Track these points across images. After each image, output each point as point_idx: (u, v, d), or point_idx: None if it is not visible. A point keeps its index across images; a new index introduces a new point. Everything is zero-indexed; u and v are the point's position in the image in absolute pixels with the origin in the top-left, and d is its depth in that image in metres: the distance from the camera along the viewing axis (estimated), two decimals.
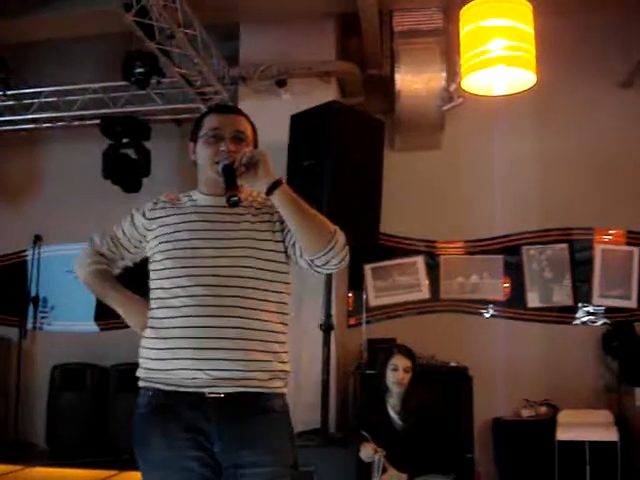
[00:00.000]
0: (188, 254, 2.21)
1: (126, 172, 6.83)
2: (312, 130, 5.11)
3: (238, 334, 2.14)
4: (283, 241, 2.28)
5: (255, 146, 2.39)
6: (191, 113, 6.73)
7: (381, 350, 4.94)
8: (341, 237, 2.20)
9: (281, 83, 5.98)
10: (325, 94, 5.74)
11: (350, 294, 6.38)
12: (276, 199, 2.15)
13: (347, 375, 5.74)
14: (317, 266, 2.22)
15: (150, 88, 6.37)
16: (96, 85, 6.82)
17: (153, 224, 2.35)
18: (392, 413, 4.43)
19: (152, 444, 2.16)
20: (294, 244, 2.25)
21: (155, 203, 2.41)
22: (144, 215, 2.39)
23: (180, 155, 7.13)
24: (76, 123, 7.13)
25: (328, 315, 5.28)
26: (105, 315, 7.31)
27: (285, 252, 2.28)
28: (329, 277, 5.20)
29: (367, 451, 4.14)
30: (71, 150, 7.33)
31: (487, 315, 6.33)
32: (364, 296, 6.27)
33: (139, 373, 2.25)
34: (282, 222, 2.26)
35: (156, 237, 2.31)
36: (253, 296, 2.19)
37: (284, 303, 2.29)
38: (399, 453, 4.21)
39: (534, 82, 4.41)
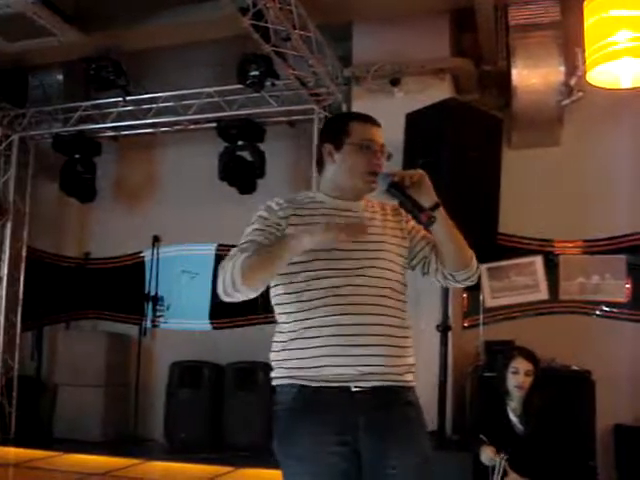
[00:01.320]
0: (336, 256, 2.27)
1: (242, 174, 6.96)
2: (428, 128, 5.06)
3: (381, 331, 2.26)
4: (409, 251, 2.46)
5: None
6: (305, 114, 6.80)
7: (500, 352, 4.84)
8: (475, 257, 2.44)
9: (395, 82, 5.95)
10: (439, 91, 5.68)
11: (465, 295, 6.29)
12: (438, 217, 2.27)
13: (464, 377, 5.65)
14: (456, 280, 2.45)
15: (265, 90, 6.46)
16: (212, 89, 6.99)
17: (296, 219, 2.35)
18: (513, 417, 4.33)
19: (298, 438, 2.23)
20: (426, 257, 2.46)
21: (279, 204, 2.40)
22: (278, 216, 2.37)
23: (293, 156, 7.23)
24: (193, 127, 7.34)
25: (445, 316, 5.22)
26: (218, 314, 7.49)
27: (407, 259, 2.46)
28: None
29: (488, 454, 4.06)
30: (188, 153, 7.53)
31: (609, 317, 6.10)
32: (481, 297, 6.17)
33: (277, 372, 2.32)
34: (409, 233, 2.46)
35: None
36: (391, 296, 2.33)
37: (406, 302, 2.42)
38: (520, 458, 4.11)
39: None
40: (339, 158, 2.39)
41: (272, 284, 2.35)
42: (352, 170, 2.37)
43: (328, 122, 2.55)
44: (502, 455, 4.02)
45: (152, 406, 7.41)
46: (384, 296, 2.30)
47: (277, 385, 2.33)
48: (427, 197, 2.28)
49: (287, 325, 2.31)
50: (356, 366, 2.21)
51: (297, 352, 2.26)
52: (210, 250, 7.66)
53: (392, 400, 2.27)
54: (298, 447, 2.23)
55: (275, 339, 2.36)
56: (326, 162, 2.43)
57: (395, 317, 2.31)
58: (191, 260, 7.74)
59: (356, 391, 2.22)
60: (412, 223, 2.44)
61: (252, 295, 2.26)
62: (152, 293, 7.74)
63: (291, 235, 2.23)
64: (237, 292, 2.22)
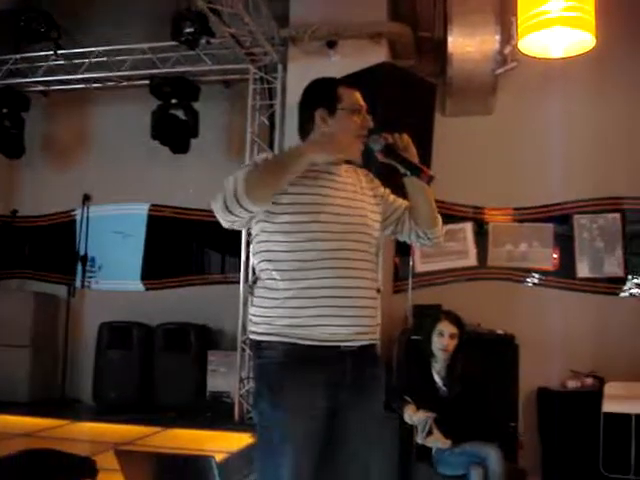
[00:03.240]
0: (329, 219, 2.39)
1: (175, 133, 6.86)
2: (362, 92, 5.02)
3: (367, 293, 2.41)
4: (382, 214, 2.58)
5: None
6: (240, 74, 6.72)
7: (428, 316, 4.90)
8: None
9: (331, 44, 5.90)
10: (376, 56, 5.64)
11: (396, 259, 6.34)
12: (416, 180, 2.45)
13: (392, 340, 5.70)
14: (429, 239, 2.61)
15: (199, 48, 6.35)
16: (145, 45, 6.85)
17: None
18: (437, 379, 4.41)
19: (288, 391, 2.34)
20: (399, 218, 2.61)
21: None
22: None
23: (228, 116, 7.15)
24: (125, 83, 7.20)
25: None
26: (152, 275, 7.42)
27: (381, 222, 2.58)
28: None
29: (410, 413, 4.13)
30: (120, 110, 7.38)
31: (535, 284, 6.24)
32: (411, 262, 6.22)
33: (264, 329, 2.39)
34: (382, 197, 2.60)
35: (298, 194, 2.39)
36: (370, 259, 2.47)
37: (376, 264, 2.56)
38: (443, 419, 4.19)
39: (593, 44, 4.28)
40: (333, 123, 2.47)
41: (263, 241, 2.41)
42: (346, 134, 2.45)
43: (315, 88, 2.57)
44: (431, 414, 4.09)
45: (80, 367, 7.33)
46: (366, 260, 2.44)
47: (263, 341, 2.40)
48: (413, 159, 2.46)
49: (281, 283, 2.36)
50: (349, 326, 2.35)
51: (292, 311, 2.34)
52: (142, 210, 7.55)
53: (371, 357, 2.46)
54: (288, 399, 2.33)
55: (263, 295, 2.41)
56: (318, 127, 2.49)
57: (373, 280, 2.45)
58: (123, 220, 7.62)
59: (346, 350, 2.37)
60: (382, 189, 2.62)
61: (253, 209, 2.28)
62: (82, 253, 7.61)
63: (296, 147, 2.40)
64: (238, 204, 2.24)
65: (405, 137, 2.49)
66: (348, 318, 2.35)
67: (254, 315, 2.44)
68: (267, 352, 2.38)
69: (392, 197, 2.64)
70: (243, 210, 2.27)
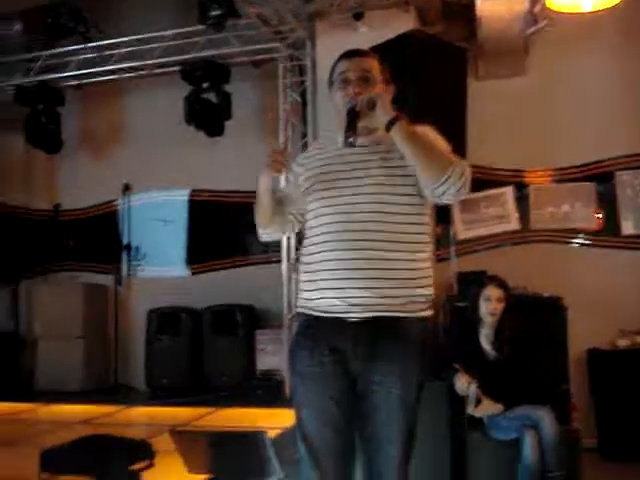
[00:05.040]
0: (326, 194, 2.43)
1: (208, 116, 6.91)
2: (393, 61, 4.95)
3: (369, 265, 2.33)
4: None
5: (387, 83, 2.52)
6: (269, 53, 6.72)
7: (473, 282, 4.88)
8: (458, 168, 2.30)
9: (358, 16, 5.85)
10: (404, 24, 5.60)
11: (438, 227, 6.30)
12: (394, 134, 2.31)
13: (437, 308, 5.69)
14: (436, 196, 2.35)
15: (227, 31, 6.35)
16: (173, 31, 6.86)
17: (302, 169, 2.58)
18: (485, 344, 4.40)
19: (300, 359, 2.45)
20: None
21: (308, 151, 2.72)
22: (297, 163, 2.63)
23: (260, 96, 7.17)
24: (156, 71, 7.23)
25: None
26: (196, 259, 7.50)
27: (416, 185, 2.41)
28: None
29: (461, 384, 4.12)
30: (153, 98, 7.44)
31: (580, 245, 6.16)
32: (452, 229, 6.19)
33: (299, 302, 2.53)
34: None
35: (305, 179, 2.53)
36: (385, 229, 2.35)
37: (419, 233, 2.43)
38: (493, 384, 4.18)
39: None
40: (332, 99, 2.54)
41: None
42: (337, 107, 2.47)
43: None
44: (474, 383, 4.09)
45: (132, 355, 7.47)
46: (376, 230, 2.33)
47: (296, 312, 2.60)
48: (384, 116, 2.32)
49: (303, 258, 2.52)
50: (344, 298, 2.33)
51: (306, 284, 2.47)
52: (183, 196, 7.63)
53: (384, 332, 2.34)
54: (297, 364, 2.45)
55: (300, 270, 2.58)
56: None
57: (389, 251, 2.34)
58: (164, 207, 7.71)
59: (351, 321, 2.34)
60: None
61: (279, 235, 2.69)
62: (126, 242, 7.72)
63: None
64: (265, 235, 2.67)
65: (367, 97, 2.34)
66: (342, 290, 2.33)
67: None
68: (296, 323, 2.56)
69: None
70: (273, 236, 2.69)
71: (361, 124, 2.36)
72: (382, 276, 2.33)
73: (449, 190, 2.29)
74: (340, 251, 2.35)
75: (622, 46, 6.04)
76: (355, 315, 2.33)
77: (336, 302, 2.35)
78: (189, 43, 6.83)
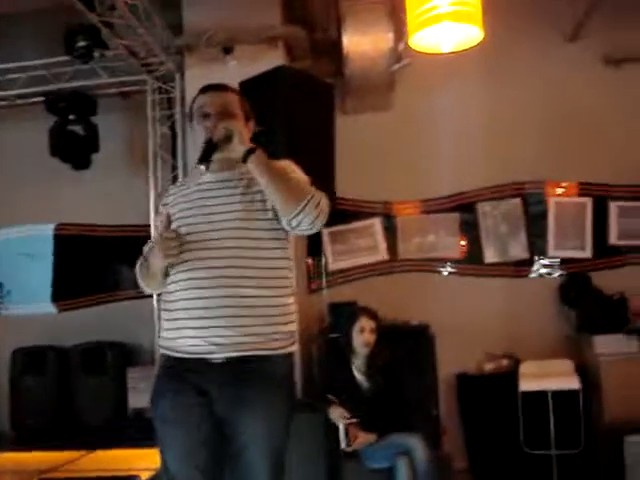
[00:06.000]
0: (185, 230, 2.39)
1: (75, 149, 6.71)
2: (261, 96, 5.00)
3: (231, 302, 2.30)
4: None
5: (248, 117, 2.56)
6: (137, 85, 6.64)
7: (345, 313, 4.96)
8: (314, 199, 2.30)
9: (228, 50, 5.86)
10: (273, 59, 5.64)
11: (310, 260, 6.38)
12: (251, 165, 2.32)
13: (311, 340, 5.74)
14: (292, 227, 2.34)
15: (94, 62, 6.23)
16: (37, 62, 6.64)
17: (168, 208, 2.53)
18: (358, 374, 4.48)
19: (162, 402, 2.39)
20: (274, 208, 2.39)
21: (171, 190, 2.64)
22: (165, 204, 2.59)
23: (128, 129, 7.04)
24: (19, 102, 6.97)
25: None
26: (63, 295, 7.25)
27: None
28: None
29: (337, 415, 4.19)
30: (17, 129, 7.14)
31: (446, 273, 6.37)
32: (323, 261, 6.28)
33: (159, 342, 2.50)
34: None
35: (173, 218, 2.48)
36: (244, 265, 2.34)
37: (280, 268, 2.43)
38: (367, 413, 4.26)
39: (481, 38, 4.39)
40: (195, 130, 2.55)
41: None
42: (197, 140, 2.47)
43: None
44: (343, 420, 4.15)
45: None
46: (234, 267, 2.31)
47: (160, 353, 2.50)
48: (240, 147, 2.34)
49: (163, 296, 2.49)
50: (206, 337, 2.28)
51: (167, 322, 2.42)
52: (48, 230, 7.36)
53: (248, 371, 2.31)
54: (161, 409, 2.38)
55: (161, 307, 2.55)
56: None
57: (250, 287, 2.31)
58: (29, 241, 7.41)
59: (213, 362, 2.30)
60: None
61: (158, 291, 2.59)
62: None
63: (151, 249, 2.46)
64: (150, 291, 2.63)
65: (222, 129, 2.35)
66: (204, 329, 2.29)
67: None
68: (158, 363, 2.51)
69: None
70: (155, 291, 2.64)
71: (221, 156, 2.39)
72: (246, 314, 2.30)
73: (304, 220, 2.29)
74: (201, 289, 2.31)
75: (482, 82, 6.33)
76: (219, 355, 2.29)
77: (197, 342, 2.30)
78: (55, 74, 6.64)
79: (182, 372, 2.35)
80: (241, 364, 2.30)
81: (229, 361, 2.30)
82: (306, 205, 2.27)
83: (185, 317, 2.33)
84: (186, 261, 2.36)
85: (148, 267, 2.47)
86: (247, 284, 2.32)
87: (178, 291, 2.37)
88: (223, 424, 2.33)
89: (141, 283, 2.55)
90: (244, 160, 2.32)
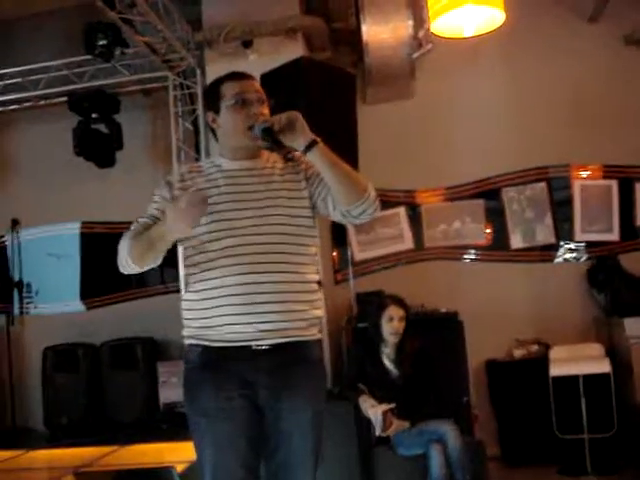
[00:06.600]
0: (230, 216, 2.33)
1: (98, 147, 6.76)
2: (282, 88, 5.02)
3: (277, 288, 2.29)
4: (310, 197, 2.43)
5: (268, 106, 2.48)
6: (159, 82, 6.66)
7: (372, 302, 4.96)
8: (373, 189, 2.35)
9: (247, 44, 5.87)
10: (292, 51, 5.64)
11: (335, 251, 6.38)
12: (314, 156, 2.27)
13: (339, 331, 5.75)
14: (353, 216, 2.35)
15: (115, 60, 6.27)
16: (59, 62, 6.70)
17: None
18: (388, 363, 4.48)
19: (202, 393, 2.33)
20: (324, 198, 2.40)
21: (182, 175, 2.49)
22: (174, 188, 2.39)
23: (151, 125, 7.08)
24: (43, 102, 7.03)
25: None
26: (91, 293, 7.31)
27: (311, 207, 2.44)
28: None
29: (367, 408, 4.20)
30: (41, 130, 7.23)
31: (472, 260, 6.35)
32: (349, 251, 6.28)
33: (186, 331, 2.41)
34: (307, 179, 2.44)
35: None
36: (287, 250, 2.34)
37: (314, 255, 2.45)
38: (398, 401, 4.26)
39: (503, 20, 4.36)
40: (222, 122, 2.45)
41: (185, 247, 2.42)
42: (235, 129, 2.40)
43: (205, 91, 2.62)
44: (379, 409, 4.15)
45: (29, 395, 7.18)
46: (279, 252, 2.31)
47: (186, 344, 2.42)
48: (302, 137, 2.26)
49: (194, 285, 2.36)
50: (254, 324, 2.26)
51: (202, 312, 2.33)
52: (74, 229, 7.43)
53: (292, 357, 2.32)
54: (202, 402, 2.33)
55: (185, 297, 2.43)
56: (214, 129, 2.51)
57: (293, 272, 2.32)
58: (55, 241, 7.48)
59: (257, 349, 2.28)
60: (308, 170, 2.45)
61: (152, 266, 2.39)
62: (17, 279, 7.45)
63: (163, 222, 2.26)
64: (134, 269, 2.37)
65: (285, 117, 2.27)
66: (252, 315, 2.26)
67: (183, 319, 2.44)
68: (188, 356, 2.40)
69: (321, 176, 2.39)
70: (143, 269, 2.38)
71: (244, 144, 2.39)
72: (287, 299, 2.30)
73: (368, 210, 2.33)
74: (249, 275, 2.27)
75: (505, 66, 6.32)
76: (265, 342, 2.28)
77: (242, 328, 2.27)
78: (76, 73, 6.70)
79: (221, 362, 2.31)
80: (284, 351, 2.30)
81: (274, 347, 2.29)
82: (369, 196, 2.31)
83: (227, 304, 2.28)
84: (228, 247, 2.30)
85: (152, 240, 2.30)
86: (292, 270, 2.33)
87: (219, 278, 2.29)
88: (266, 413, 2.33)
89: (128, 260, 2.34)
90: (306, 150, 2.26)
